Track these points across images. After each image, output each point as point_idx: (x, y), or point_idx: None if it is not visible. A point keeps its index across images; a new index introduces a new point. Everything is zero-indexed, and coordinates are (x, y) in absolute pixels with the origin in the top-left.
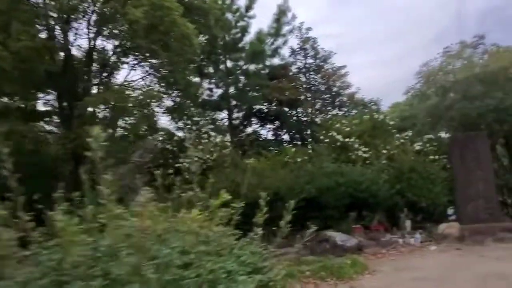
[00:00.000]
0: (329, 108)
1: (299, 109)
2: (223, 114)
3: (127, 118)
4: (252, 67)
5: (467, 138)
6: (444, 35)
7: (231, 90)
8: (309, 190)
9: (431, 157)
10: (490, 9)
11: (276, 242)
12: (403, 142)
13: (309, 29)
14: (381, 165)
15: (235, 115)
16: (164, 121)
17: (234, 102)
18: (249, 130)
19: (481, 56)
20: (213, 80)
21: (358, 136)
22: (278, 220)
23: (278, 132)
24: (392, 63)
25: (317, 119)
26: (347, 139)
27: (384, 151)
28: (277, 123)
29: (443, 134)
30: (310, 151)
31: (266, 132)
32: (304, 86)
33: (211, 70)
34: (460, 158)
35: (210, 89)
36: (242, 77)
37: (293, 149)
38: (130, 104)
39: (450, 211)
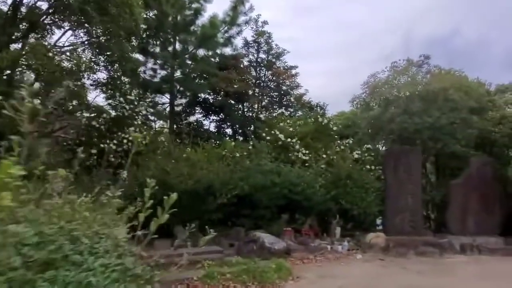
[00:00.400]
0: (275, 106)
1: (246, 104)
2: (165, 99)
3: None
4: (201, 52)
5: (402, 152)
6: (393, 54)
7: (177, 74)
8: (242, 187)
9: (368, 166)
10: (435, 37)
11: (202, 240)
12: (343, 149)
13: (265, 22)
14: (319, 169)
15: (178, 101)
16: (95, 96)
17: (178, 87)
18: (192, 119)
19: (424, 75)
20: (158, 61)
21: (300, 137)
22: (209, 215)
23: (222, 125)
24: (341, 74)
25: (261, 116)
26: (289, 139)
27: (324, 156)
28: (221, 115)
29: (380, 146)
30: (250, 147)
31: (209, 124)
32: (254, 80)
33: (157, 50)
34: (393, 170)
35: (154, 70)
36: (189, 62)
37: (233, 143)
38: (59, 73)
39: (378, 221)
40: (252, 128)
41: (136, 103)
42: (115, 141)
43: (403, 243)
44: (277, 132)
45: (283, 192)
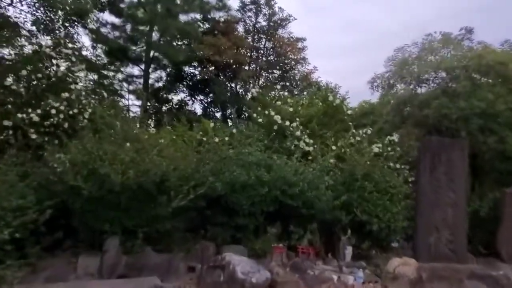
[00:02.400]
0: (275, 83)
1: (239, 82)
2: (136, 70)
3: None
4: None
5: (442, 146)
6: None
7: (154, 36)
8: (213, 185)
9: (392, 164)
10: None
11: None
12: (359, 140)
13: None
14: (327, 165)
15: (155, 73)
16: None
17: (153, 54)
18: (176, 99)
19: (468, 50)
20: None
21: (303, 122)
22: (161, 223)
23: (209, 107)
24: (355, 73)
25: (254, 92)
26: (287, 123)
27: (334, 147)
28: (210, 96)
29: (408, 139)
30: (234, 130)
31: (195, 105)
32: (250, 52)
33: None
34: (429, 170)
35: (116, 27)
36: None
37: (212, 124)
38: None
39: (395, 240)
40: (244, 108)
41: (74, 58)
42: (39, 111)
43: (441, 275)
44: (272, 113)
45: (274, 194)
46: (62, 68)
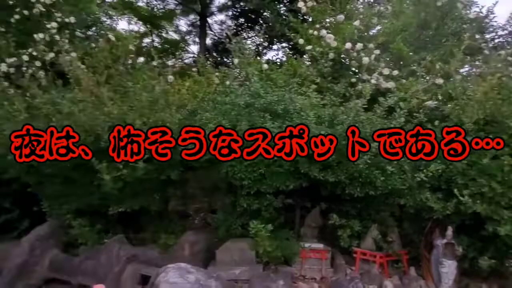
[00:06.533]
0: None
1: None
2: None
3: None
4: None
5: None
6: None
7: None
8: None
9: None
10: None
11: None
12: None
13: None
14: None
15: None
16: None
17: None
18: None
19: None
20: None
21: (384, 41)
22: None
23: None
24: None
25: (303, 8)
26: (348, 45)
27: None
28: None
29: None
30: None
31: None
32: None
33: None
34: None
35: None
36: None
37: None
38: None
39: None
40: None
41: None
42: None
43: None
44: (324, 32)
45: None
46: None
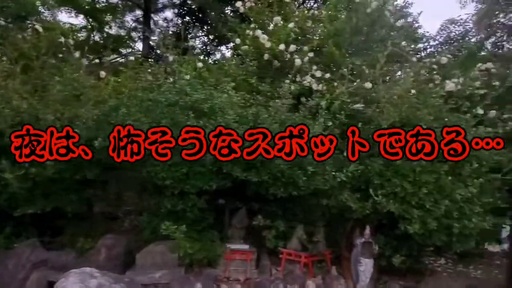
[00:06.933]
0: None
1: None
2: None
3: None
4: None
5: None
6: None
7: None
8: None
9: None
10: None
11: None
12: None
13: None
14: (331, 108)
15: None
16: None
17: None
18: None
19: None
20: None
21: (318, 44)
22: None
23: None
24: None
25: (241, 8)
26: (282, 46)
27: (368, 82)
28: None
29: None
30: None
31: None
32: None
33: None
34: None
35: None
36: None
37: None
38: None
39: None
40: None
41: None
42: None
43: None
44: (259, 32)
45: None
46: None
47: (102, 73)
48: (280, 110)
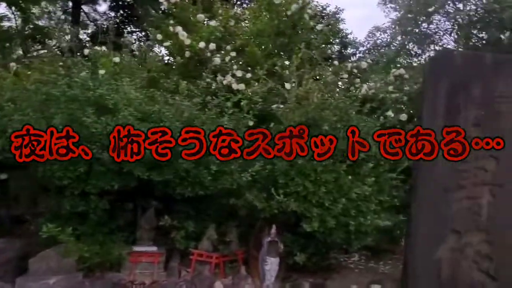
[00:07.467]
0: None
1: None
2: None
3: None
4: None
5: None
6: None
7: None
8: None
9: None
10: None
11: None
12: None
13: None
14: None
15: None
16: None
17: None
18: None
19: None
20: None
21: (241, 44)
22: None
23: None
24: None
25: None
26: (202, 44)
27: (293, 84)
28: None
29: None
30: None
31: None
32: None
33: None
34: (445, 113)
35: None
36: None
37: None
38: None
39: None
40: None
41: None
42: None
43: None
44: (179, 29)
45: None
46: None
47: (12, 65)
48: (180, 108)
